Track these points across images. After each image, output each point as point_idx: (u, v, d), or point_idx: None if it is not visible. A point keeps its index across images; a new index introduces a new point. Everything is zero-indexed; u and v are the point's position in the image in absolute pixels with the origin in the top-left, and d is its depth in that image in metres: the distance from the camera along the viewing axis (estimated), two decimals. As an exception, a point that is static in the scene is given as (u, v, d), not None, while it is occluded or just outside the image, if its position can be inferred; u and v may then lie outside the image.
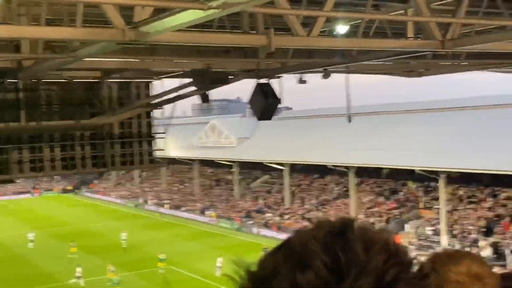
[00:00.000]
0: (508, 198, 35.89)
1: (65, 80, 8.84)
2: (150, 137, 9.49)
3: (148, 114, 9.56)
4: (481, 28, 9.63)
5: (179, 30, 5.94)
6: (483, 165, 34.27)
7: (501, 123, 36.69)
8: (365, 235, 0.64)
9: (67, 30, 6.04)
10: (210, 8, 5.06)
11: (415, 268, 0.67)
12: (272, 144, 50.28)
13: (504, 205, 35.61)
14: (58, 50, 6.93)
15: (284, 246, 0.67)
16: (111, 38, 5.79)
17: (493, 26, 9.13)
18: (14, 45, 7.43)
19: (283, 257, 0.64)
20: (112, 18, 5.73)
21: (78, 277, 32.49)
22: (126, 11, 6.23)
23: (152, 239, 41.58)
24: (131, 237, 41.81)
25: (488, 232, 32.50)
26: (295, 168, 50.34)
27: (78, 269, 32.66)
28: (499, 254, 28.21)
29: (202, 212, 53.51)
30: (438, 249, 2.65)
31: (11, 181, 9.05)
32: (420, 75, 16.68)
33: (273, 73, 10.06)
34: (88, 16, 6.37)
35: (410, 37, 7.99)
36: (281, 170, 50.68)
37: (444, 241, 33.75)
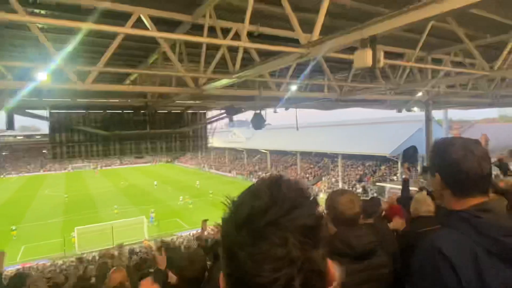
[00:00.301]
0: (369, 166, 35.93)
1: (167, 111, 8.86)
2: (206, 137, 9.47)
3: (206, 127, 9.56)
4: (363, 86, 9.62)
5: (219, 88, 5.96)
6: (359, 150, 34.39)
7: (370, 131, 36.89)
8: (288, 182, 0.62)
9: (168, 88, 6.05)
10: (232, 78, 5.07)
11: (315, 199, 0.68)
12: (261, 140, 50.07)
13: (367, 169, 35.72)
14: (165, 97, 6.91)
15: (249, 188, 0.64)
16: (188, 92, 5.80)
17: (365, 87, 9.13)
18: (143, 95, 7.44)
19: (247, 193, 0.62)
20: (188, 82, 5.74)
21: (181, 200, 31.63)
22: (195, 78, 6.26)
23: (206, 184, 41.06)
24: (195, 183, 41.95)
25: (360, 181, 32.36)
26: (272, 152, 49.93)
27: (180, 197, 32.12)
28: (365, 191, 28.23)
29: (229, 171, 53.36)
30: (335, 189, 2.58)
31: (141, 157, 8.98)
32: (331, 108, 16.62)
33: (262, 107, 10.08)
34: (178, 81, 6.36)
35: (325, 92, 8.00)
36: (266, 153, 50.55)
37: (340, 186, 33.75)
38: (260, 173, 48.34)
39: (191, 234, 20.04)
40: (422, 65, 5.74)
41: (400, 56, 6.40)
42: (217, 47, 4.98)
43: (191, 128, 9.38)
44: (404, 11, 2.58)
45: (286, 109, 11.07)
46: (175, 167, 67.22)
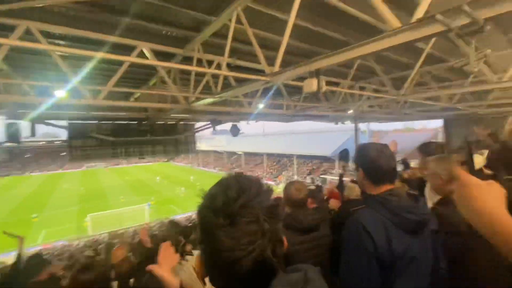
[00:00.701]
0: (316, 163, 36.46)
1: (164, 123, 8.46)
2: (194, 142, 9.06)
3: (194, 134, 9.10)
4: (311, 105, 9.59)
5: (205, 105, 5.83)
6: (308, 152, 35.12)
7: (316, 138, 37.79)
8: (248, 176, 0.62)
9: (165, 104, 5.84)
10: (215, 97, 5.01)
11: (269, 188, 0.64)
12: (237, 145, 49.64)
13: (314, 165, 36.42)
14: (163, 110, 6.65)
15: (220, 182, 0.63)
16: (180, 107, 5.65)
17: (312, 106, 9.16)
18: (145, 109, 7.14)
19: (219, 186, 0.61)
20: (180, 100, 5.59)
21: (181, 192, 29.27)
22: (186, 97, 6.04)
23: (196, 178, 39.93)
24: (188, 178, 40.50)
25: (309, 174, 33.01)
26: (246, 154, 49.51)
27: (182, 189, 29.81)
28: (313, 182, 28.74)
29: (214, 168, 52.23)
30: (290, 180, 2.55)
31: (143, 158, 8.48)
32: (289, 121, 16.79)
33: (237, 120, 9.98)
34: (173, 99, 6.13)
35: (284, 109, 8.05)
36: (241, 154, 50.16)
37: (295, 178, 34.20)
38: (237, 169, 47.82)
39: (182, 217, 19.40)
40: (351, 91, 5.99)
41: (336, 84, 6.65)
42: (203, 74, 4.91)
43: (183, 135, 9.12)
44: (339, 52, 2.69)
45: (256, 121, 11.07)
46: (171, 165, 64.68)
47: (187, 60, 4.36)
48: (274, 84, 3.72)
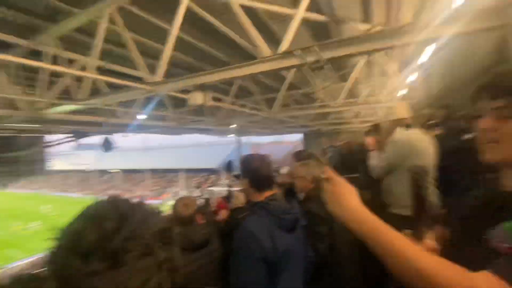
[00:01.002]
0: (203, 176, 36.26)
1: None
2: (44, 160, 6.74)
3: (44, 151, 6.80)
4: (197, 118, 9.35)
5: (64, 113, 4.58)
6: (195, 165, 34.78)
7: (202, 151, 37.93)
8: (126, 200, 0.50)
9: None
10: (79, 104, 4.08)
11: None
12: (112, 161, 42.22)
13: (202, 178, 36.19)
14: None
15: (87, 212, 0.47)
16: (21, 115, 4.19)
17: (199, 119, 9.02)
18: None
19: (87, 219, 0.46)
20: (22, 105, 4.16)
21: (27, 228, 21.16)
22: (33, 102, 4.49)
23: (53, 207, 30.57)
24: (38, 208, 30.12)
25: (198, 187, 32.34)
26: (124, 171, 42.78)
27: (33, 224, 21.36)
28: (202, 194, 28.22)
29: (78, 192, 41.48)
30: (179, 197, 2.36)
31: None
32: (174, 134, 15.88)
33: (111, 132, 8.48)
34: (10, 103, 4.45)
35: (168, 121, 7.56)
36: (117, 172, 42.80)
37: (184, 193, 32.75)
38: (111, 191, 40.22)
39: (26, 263, 14.14)
40: (234, 107, 6.47)
41: (220, 100, 6.99)
42: (61, 75, 3.91)
43: (30, 151, 6.83)
44: (221, 70, 2.85)
45: (135, 134, 9.85)
46: (6, 194, 45.93)
47: (36, 55, 3.36)
48: (158, 94, 3.46)
